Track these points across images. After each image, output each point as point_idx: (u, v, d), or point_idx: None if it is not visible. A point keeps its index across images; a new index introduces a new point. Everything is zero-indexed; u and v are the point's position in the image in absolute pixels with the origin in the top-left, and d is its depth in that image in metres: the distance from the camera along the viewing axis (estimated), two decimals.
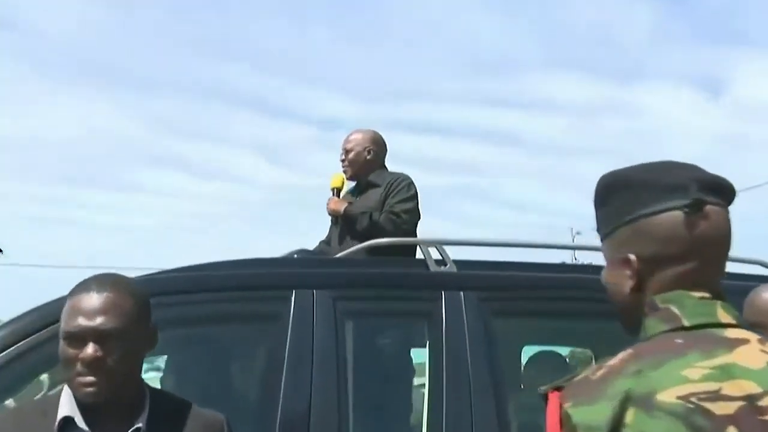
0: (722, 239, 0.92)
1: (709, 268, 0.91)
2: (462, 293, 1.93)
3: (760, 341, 0.87)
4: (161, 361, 2.25)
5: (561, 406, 0.87)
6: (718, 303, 0.90)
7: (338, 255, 2.28)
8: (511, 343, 2.24)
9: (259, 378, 1.94)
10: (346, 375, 1.82)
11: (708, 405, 0.82)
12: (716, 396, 0.83)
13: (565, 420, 0.86)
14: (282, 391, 1.74)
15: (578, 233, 20.40)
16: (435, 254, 2.00)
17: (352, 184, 2.91)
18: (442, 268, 2.00)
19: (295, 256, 2.19)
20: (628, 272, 0.92)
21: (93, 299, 1.18)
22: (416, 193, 2.77)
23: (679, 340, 0.87)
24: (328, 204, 2.81)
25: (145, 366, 1.33)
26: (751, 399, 0.83)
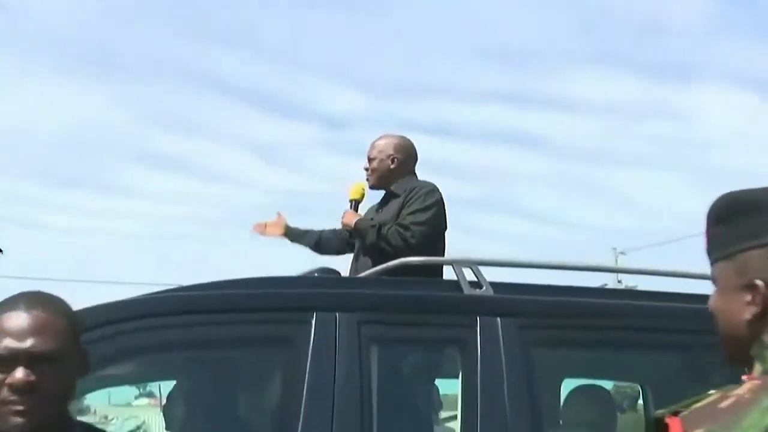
0: None
1: None
2: (499, 319, 1.77)
3: None
4: (154, 386, 2.11)
5: None
6: None
7: (362, 274, 2.13)
8: (551, 376, 2.06)
9: (275, 409, 1.79)
10: (371, 408, 1.67)
11: None
12: None
13: None
14: (300, 426, 1.59)
15: (622, 253, 18.38)
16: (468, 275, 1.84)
17: (378, 194, 2.70)
18: (477, 291, 1.83)
19: (316, 274, 2.04)
20: (749, 298, 0.87)
21: (22, 319, 1.08)
22: (434, 203, 2.51)
23: None
24: (342, 217, 2.61)
25: (135, 392, 1.22)
26: None
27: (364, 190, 2.66)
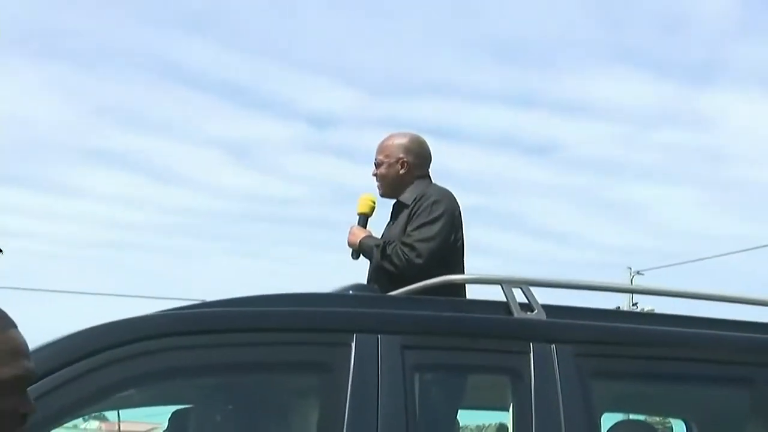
0: None
1: None
2: (554, 346, 1.62)
3: None
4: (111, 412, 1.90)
5: None
6: None
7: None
8: (609, 408, 1.90)
9: None
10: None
11: None
12: None
13: None
14: None
15: (638, 273, 16.99)
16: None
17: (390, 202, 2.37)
18: (529, 314, 1.68)
19: (350, 291, 1.87)
20: None
21: None
22: (442, 214, 2.19)
23: None
24: (348, 234, 2.33)
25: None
26: None
27: (374, 202, 2.37)
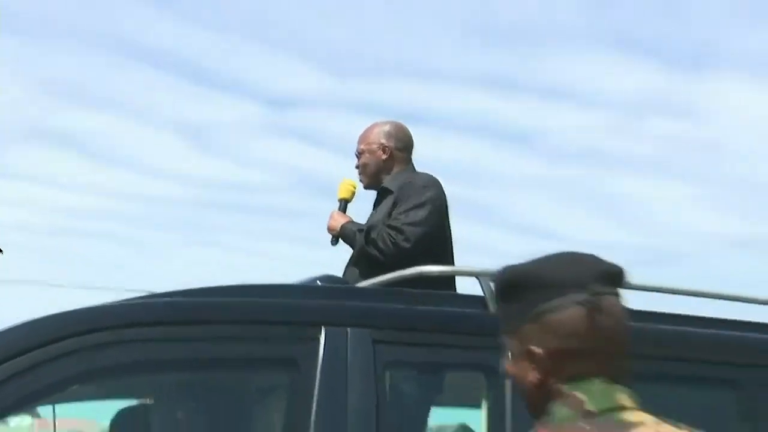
0: (619, 327, 1.06)
1: (609, 356, 1.04)
2: None
3: (656, 423, 1.02)
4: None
5: None
6: (618, 388, 1.03)
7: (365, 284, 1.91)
8: None
9: None
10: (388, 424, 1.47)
11: None
12: None
13: None
14: None
15: None
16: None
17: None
18: None
19: (318, 283, 1.81)
20: (532, 365, 1.03)
21: None
22: (431, 199, 2.20)
23: (586, 426, 1.02)
24: (328, 219, 2.32)
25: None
26: None
27: (355, 188, 2.37)
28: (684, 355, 1.80)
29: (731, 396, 1.90)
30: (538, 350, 1.04)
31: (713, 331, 1.86)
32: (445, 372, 1.74)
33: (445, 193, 2.28)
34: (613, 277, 1.09)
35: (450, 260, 2.24)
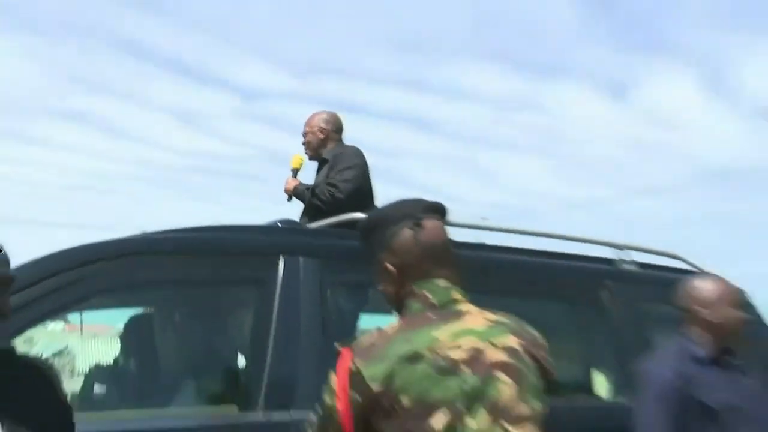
0: (443, 242, 1.37)
1: (442, 263, 1.34)
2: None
3: (480, 311, 1.33)
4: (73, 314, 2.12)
5: (352, 360, 1.26)
6: (453, 287, 1.33)
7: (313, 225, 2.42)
8: None
9: (248, 338, 2.02)
10: (329, 337, 1.89)
11: (449, 353, 1.26)
12: (454, 347, 1.27)
13: (354, 371, 1.25)
14: (269, 352, 1.85)
15: (484, 218, 20.21)
16: None
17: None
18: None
19: (279, 224, 2.28)
20: (390, 279, 1.37)
21: None
22: (358, 164, 2.85)
23: (431, 315, 1.30)
24: (285, 184, 2.97)
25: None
26: (478, 349, 1.28)
27: (302, 160, 3.04)
28: (530, 278, 2.36)
29: (566, 308, 2.55)
30: (391, 268, 1.35)
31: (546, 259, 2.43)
32: (369, 288, 2.17)
33: (367, 160, 2.95)
34: (435, 209, 1.40)
35: (373, 209, 2.92)
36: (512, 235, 2.54)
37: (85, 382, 2.25)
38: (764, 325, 2.84)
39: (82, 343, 2.47)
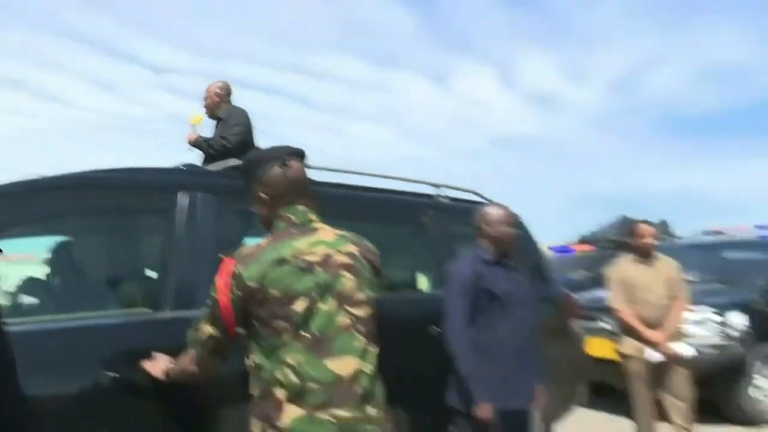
0: (305, 178, 1.60)
1: (303, 194, 1.57)
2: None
3: (331, 229, 1.57)
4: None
5: (234, 265, 1.49)
6: (309, 211, 1.57)
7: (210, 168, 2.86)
8: None
9: (156, 256, 2.30)
10: (218, 253, 2.10)
11: (306, 257, 1.51)
12: (311, 253, 1.51)
13: (234, 275, 1.47)
14: (174, 267, 2.13)
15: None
16: None
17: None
18: None
19: (182, 167, 2.63)
20: (263, 205, 1.61)
21: None
22: (244, 122, 3.49)
23: (294, 231, 1.54)
24: (187, 137, 3.54)
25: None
26: (328, 254, 1.53)
27: (201, 118, 3.64)
28: (373, 208, 2.86)
29: (399, 230, 3.09)
30: (264, 196, 1.56)
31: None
32: (253, 215, 2.42)
33: (251, 118, 3.58)
34: (297, 153, 1.61)
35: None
36: (362, 177, 3.07)
37: (14, 296, 2.45)
38: (531, 239, 3.80)
39: (9, 267, 2.60)
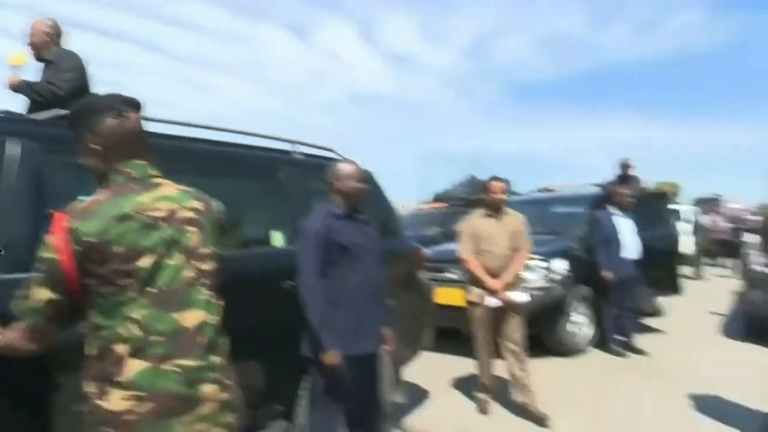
0: (142, 131, 1.56)
1: (140, 147, 1.52)
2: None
3: (173, 184, 1.55)
4: None
5: (69, 221, 1.42)
6: (149, 166, 1.54)
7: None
8: None
9: None
10: (47, 203, 2.07)
11: (151, 213, 1.50)
12: (154, 208, 1.50)
13: (71, 231, 1.40)
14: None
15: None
16: None
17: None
18: None
19: (2, 115, 2.38)
20: (95, 157, 1.54)
21: None
22: (76, 66, 3.15)
23: (134, 186, 1.51)
24: (7, 81, 3.09)
25: None
26: (173, 209, 1.52)
27: (24, 59, 3.18)
28: (228, 162, 2.83)
29: (254, 185, 3.07)
30: (97, 148, 1.49)
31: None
32: (82, 167, 2.45)
33: (84, 63, 3.22)
34: (132, 103, 1.57)
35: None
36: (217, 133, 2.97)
37: None
38: (382, 194, 3.99)
39: None
